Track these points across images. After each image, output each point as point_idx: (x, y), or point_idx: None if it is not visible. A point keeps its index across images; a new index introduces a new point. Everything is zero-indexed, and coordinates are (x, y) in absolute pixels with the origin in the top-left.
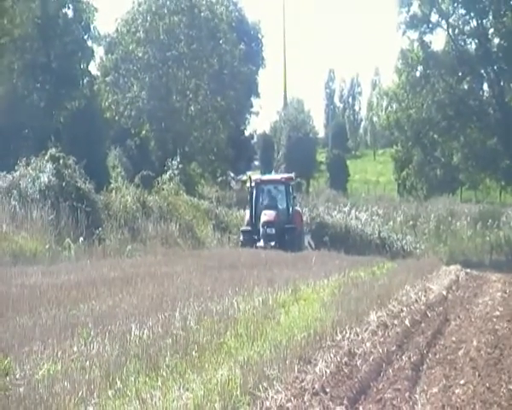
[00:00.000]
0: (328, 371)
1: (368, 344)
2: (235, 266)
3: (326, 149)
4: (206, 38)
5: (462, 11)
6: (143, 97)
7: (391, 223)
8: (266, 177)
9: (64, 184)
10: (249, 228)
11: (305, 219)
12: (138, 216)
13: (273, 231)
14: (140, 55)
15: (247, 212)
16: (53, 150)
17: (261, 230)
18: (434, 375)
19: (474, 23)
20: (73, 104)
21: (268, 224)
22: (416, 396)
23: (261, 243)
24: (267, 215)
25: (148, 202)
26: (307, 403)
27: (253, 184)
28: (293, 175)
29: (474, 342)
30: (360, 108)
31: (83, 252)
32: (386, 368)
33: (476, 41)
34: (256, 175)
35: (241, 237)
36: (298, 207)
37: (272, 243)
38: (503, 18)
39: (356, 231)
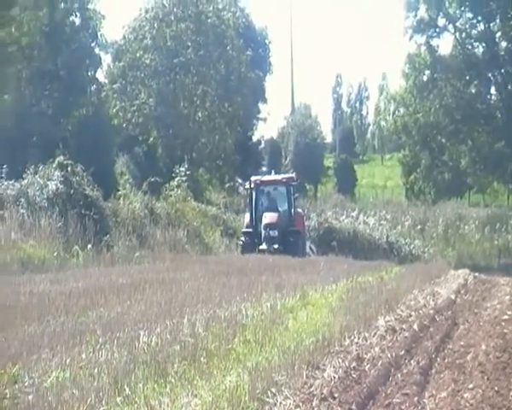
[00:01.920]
0: (336, 377)
1: (376, 349)
2: (244, 271)
3: (333, 153)
4: (213, 44)
5: (470, 15)
6: (151, 104)
7: (399, 227)
8: (266, 177)
9: (72, 191)
10: (250, 230)
11: (312, 224)
12: (146, 223)
13: (276, 233)
14: (147, 62)
15: (247, 215)
16: (61, 158)
17: (263, 232)
18: (443, 379)
19: (481, 27)
20: (81, 112)
21: (270, 226)
22: (425, 401)
23: (264, 246)
24: (269, 217)
25: (155, 208)
26: (316, 409)
27: (252, 186)
28: (294, 175)
29: (483, 346)
30: (367, 113)
31: (91, 259)
32: (394, 373)
33: (483, 44)
34: (256, 176)
35: (242, 239)
36: (299, 209)
37: (276, 246)
38: (511, 21)
39: (364, 235)
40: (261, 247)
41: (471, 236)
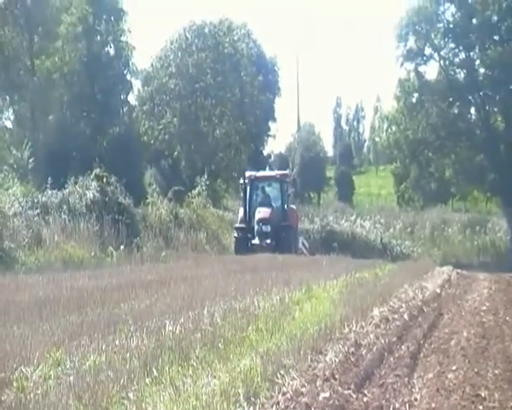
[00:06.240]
0: (337, 360)
1: (372, 336)
2: (256, 269)
3: (334, 166)
4: (230, 71)
5: (452, 45)
6: (175, 123)
7: (391, 230)
8: (261, 173)
9: (107, 199)
10: (243, 225)
11: (316, 227)
12: (171, 226)
13: (268, 228)
14: (172, 86)
15: (241, 210)
16: (97, 170)
17: (256, 227)
18: (430, 362)
19: (462, 55)
20: (114, 130)
21: (263, 221)
22: (414, 381)
23: (256, 241)
24: (262, 212)
25: (179, 214)
26: (319, 388)
27: (246, 181)
28: (288, 172)
29: (465, 333)
30: (364, 130)
31: (123, 258)
32: (387, 357)
33: (464, 71)
34: (250, 172)
35: (236, 235)
36: (293, 206)
37: (268, 241)
38: (488, 51)
39: (361, 237)
40: (254, 241)
41: (454, 237)
